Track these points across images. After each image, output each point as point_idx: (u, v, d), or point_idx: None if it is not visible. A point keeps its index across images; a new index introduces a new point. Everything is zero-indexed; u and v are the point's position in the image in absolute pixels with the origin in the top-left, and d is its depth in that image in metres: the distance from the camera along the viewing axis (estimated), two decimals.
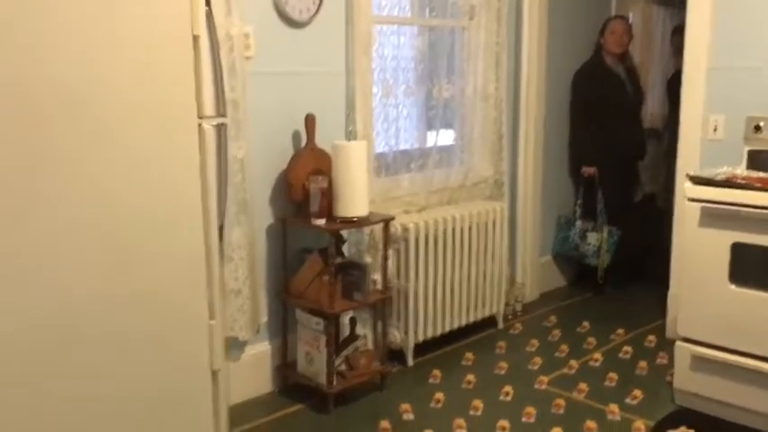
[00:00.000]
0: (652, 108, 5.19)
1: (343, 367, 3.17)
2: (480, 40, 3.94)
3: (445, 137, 3.95)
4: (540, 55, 4.26)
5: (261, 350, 3.21)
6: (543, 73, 4.31)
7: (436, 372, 3.43)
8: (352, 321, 3.26)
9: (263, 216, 3.15)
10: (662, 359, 3.59)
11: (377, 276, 3.27)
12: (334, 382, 3.06)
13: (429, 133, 3.88)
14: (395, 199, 3.60)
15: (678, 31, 5.29)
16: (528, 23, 4.15)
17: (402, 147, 3.73)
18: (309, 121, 3.13)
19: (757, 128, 3.28)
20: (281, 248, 3.18)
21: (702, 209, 2.91)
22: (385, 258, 3.23)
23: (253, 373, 3.16)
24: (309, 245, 3.23)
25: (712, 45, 3.54)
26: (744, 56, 3.44)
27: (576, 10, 4.60)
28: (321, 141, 3.17)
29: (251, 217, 3.03)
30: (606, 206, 4.54)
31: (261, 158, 3.08)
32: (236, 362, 3.09)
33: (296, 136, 3.22)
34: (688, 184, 2.98)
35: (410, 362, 3.54)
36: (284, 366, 3.25)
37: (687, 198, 2.97)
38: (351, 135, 3.22)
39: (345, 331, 3.28)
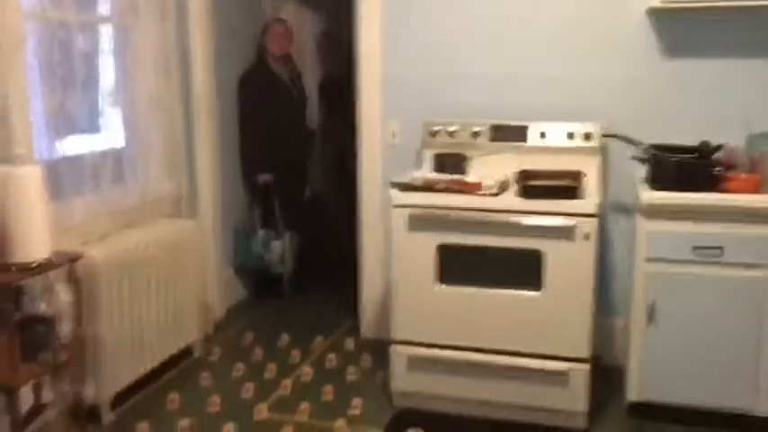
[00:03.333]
0: (309, 110, 5.23)
1: None
2: (148, 40, 3.50)
3: (118, 144, 3.45)
4: (210, 57, 3.97)
5: None
6: (214, 76, 4.03)
7: (142, 425, 2.97)
8: (37, 388, 2.63)
9: None
10: (365, 362, 3.64)
11: (64, 327, 2.69)
12: None
13: (97, 143, 3.34)
14: (68, 228, 3.00)
15: (324, 36, 5.48)
16: (197, 22, 3.82)
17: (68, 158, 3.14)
18: None
19: (434, 133, 3.49)
20: None
21: (410, 214, 2.99)
22: (76, 305, 2.66)
23: None
24: None
25: (384, 53, 3.66)
26: (413, 64, 3.63)
27: (238, 9, 4.41)
28: None
29: None
30: (284, 212, 4.48)
31: None
32: None
33: None
34: (394, 191, 3.04)
35: (108, 419, 3.01)
36: None
37: (394, 204, 3.02)
38: (14, 158, 2.56)
39: (27, 400, 2.63)
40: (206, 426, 3.00)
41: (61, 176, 3.09)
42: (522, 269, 2.95)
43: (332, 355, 3.70)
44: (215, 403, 3.18)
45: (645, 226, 2.88)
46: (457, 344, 3.02)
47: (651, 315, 2.89)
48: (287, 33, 4.55)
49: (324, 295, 4.61)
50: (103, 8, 3.35)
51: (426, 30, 3.58)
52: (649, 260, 2.89)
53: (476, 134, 3.42)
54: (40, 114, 3.00)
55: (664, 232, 2.85)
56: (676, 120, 3.28)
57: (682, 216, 2.82)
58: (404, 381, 3.12)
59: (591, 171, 3.20)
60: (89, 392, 2.93)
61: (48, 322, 2.54)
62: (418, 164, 3.58)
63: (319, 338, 3.92)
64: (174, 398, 3.22)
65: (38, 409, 2.61)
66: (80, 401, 2.77)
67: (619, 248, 3.43)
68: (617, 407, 3.10)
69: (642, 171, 3.06)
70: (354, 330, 4.00)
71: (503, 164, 3.29)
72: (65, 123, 3.12)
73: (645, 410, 2.98)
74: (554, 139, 3.33)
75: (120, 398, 3.12)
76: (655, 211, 2.85)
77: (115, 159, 3.41)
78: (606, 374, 3.31)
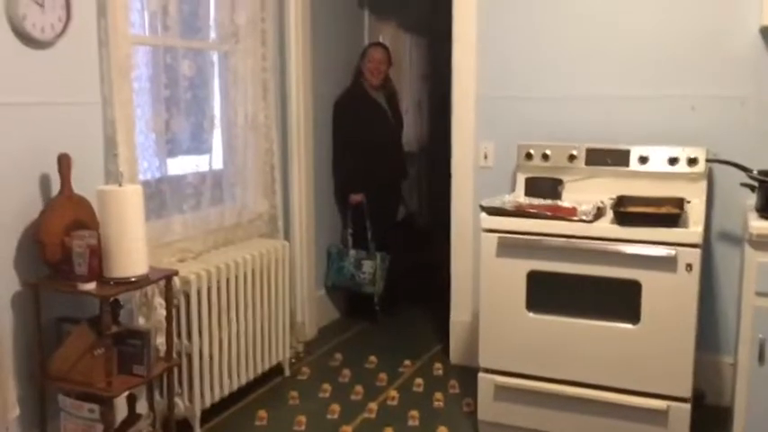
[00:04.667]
0: (406, 132, 5.24)
1: None
2: (247, 65, 3.61)
3: (216, 167, 3.57)
4: (306, 81, 4.06)
5: None
6: (310, 100, 4.11)
7: None
8: (131, 399, 2.73)
9: (6, 282, 2.51)
10: (453, 388, 3.57)
11: (159, 341, 2.79)
12: None
13: (199, 164, 3.46)
14: (167, 245, 3.13)
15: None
16: (294, 48, 3.92)
17: (171, 178, 3.27)
18: (64, 162, 2.55)
19: (529, 155, 3.41)
20: (33, 321, 2.55)
21: (500, 239, 2.92)
22: (169, 320, 2.75)
23: None
24: (69, 313, 2.65)
25: (479, 74, 3.63)
26: (508, 84, 3.57)
27: (336, 33, 4.49)
28: (76, 186, 2.61)
29: None
30: (375, 233, 4.49)
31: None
32: None
33: (44, 181, 2.61)
34: (483, 215, 2.98)
35: None
36: None
37: (483, 229, 2.96)
38: (118, 178, 2.69)
39: (121, 411, 2.73)
40: None
41: (164, 195, 3.23)
42: (618, 300, 2.81)
43: (419, 380, 3.66)
44: (301, 423, 3.20)
45: (755, 257, 2.67)
46: (546, 375, 2.91)
47: (761, 354, 2.68)
48: (384, 59, 4.56)
49: (415, 318, 4.59)
50: (207, 34, 3.48)
51: (521, 50, 3.52)
52: (759, 294, 2.68)
53: (572, 157, 3.31)
54: (147, 135, 3.16)
55: None
56: None
57: None
58: (490, 410, 3.03)
59: (695, 198, 3.03)
60: (181, 406, 3.02)
61: (144, 336, 2.62)
62: (512, 187, 3.51)
63: (407, 362, 3.89)
64: (262, 415, 3.26)
65: (131, 419, 2.70)
66: (172, 414, 2.84)
67: (727, 281, 3.22)
68: None
69: (752, 199, 2.86)
70: (444, 355, 3.95)
71: (600, 189, 3.17)
72: (169, 145, 3.26)
73: None
74: (655, 164, 3.18)
75: (211, 412, 3.19)
76: (766, 242, 2.65)
77: (214, 180, 3.52)
78: (712, 415, 3.10)
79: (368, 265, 4.43)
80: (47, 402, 2.60)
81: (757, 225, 2.67)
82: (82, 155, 2.68)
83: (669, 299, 2.72)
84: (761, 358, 2.67)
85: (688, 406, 2.74)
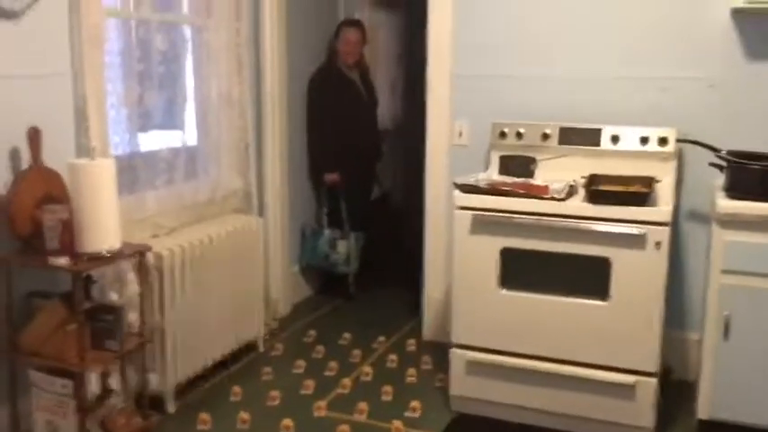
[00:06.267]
0: (381, 110, 5.22)
1: None
2: (221, 39, 3.57)
3: (190, 143, 3.54)
4: (282, 56, 4.03)
5: None
6: (285, 76, 4.08)
7: (204, 416, 3.02)
8: (104, 375, 2.72)
9: None
10: (426, 364, 3.61)
11: (132, 317, 2.77)
12: None
13: (172, 140, 3.43)
14: (140, 221, 3.10)
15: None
16: (269, 22, 3.88)
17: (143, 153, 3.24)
18: (33, 135, 2.52)
19: (503, 134, 3.43)
20: (3, 295, 2.53)
21: (473, 217, 2.94)
22: (143, 296, 2.74)
23: None
24: (40, 288, 2.62)
25: (454, 52, 3.63)
26: (484, 63, 3.58)
27: (310, 10, 4.45)
28: (46, 160, 2.58)
29: None
30: (350, 212, 4.49)
31: None
32: None
33: (14, 154, 2.57)
34: (457, 193, 3.00)
35: (171, 408, 3.08)
36: None
37: (457, 206, 2.98)
38: (90, 151, 2.65)
39: (94, 386, 2.72)
40: (265, 420, 3.03)
41: (136, 170, 3.20)
42: (588, 277, 2.86)
43: (393, 356, 3.69)
44: (275, 398, 3.21)
45: (721, 236, 2.74)
46: (518, 351, 2.96)
47: (726, 330, 2.75)
48: (360, 40, 4.52)
49: (388, 295, 4.61)
50: (180, 7, 3.44)
51: (497, 28, 3.52)
52: (725, 272, 2.74)
53: (545, 136, 3.34)
54: (119, 110, 3.11)
55: (742, 243, 2.70)
56: (758, 126, 3.12)
57: (763, 227, 2.67)
58: (463, 385, 3.08)
59: (665, 177, 3.08)
60: (154, 381, 3.02)
61: (116, 311, 2.61)
62: (485, 165, 3.53)
63: (381, 338, 3.92)
64: (237, 391, 3.26)
65: (104, 395, 2.69)
66: (145, 390, 2.84)
67: (694, 259, 3.29)
68: (686, 424, 2.97)
69: (721, 179, 2.91)
70: (416, 331, 3.98)
71: (572, 168, 3.20)
72: (142, 119, 3.22)
73: (715, 430, 2.84)
74: (627, 144, 3.22)
75: (185, 388, 3.20)
76: (733, 221, 2.71)
77: (188, 155, 3.50)
78: (678, 390, 3.18)
79: (342, 245, 4.43)
80: (17, 378, 2.58)
81: (724, 204, 2.73)
82: (52, 128, 2.64)
83: (638, 276, 2.77)
84: (726, 334, 2.74)
85: (655, 381, 2.81)
